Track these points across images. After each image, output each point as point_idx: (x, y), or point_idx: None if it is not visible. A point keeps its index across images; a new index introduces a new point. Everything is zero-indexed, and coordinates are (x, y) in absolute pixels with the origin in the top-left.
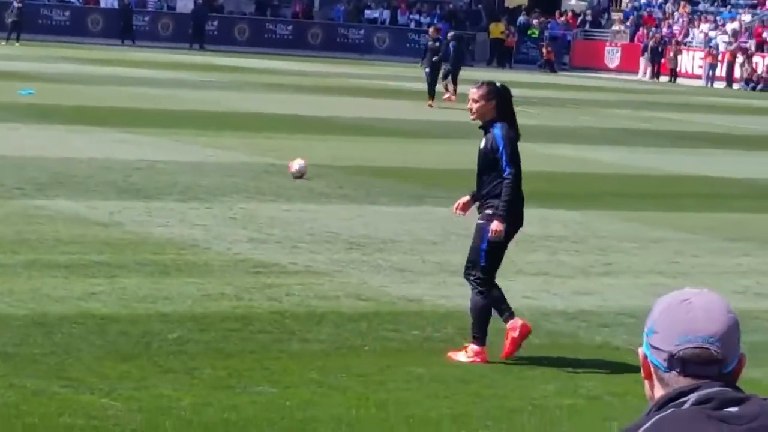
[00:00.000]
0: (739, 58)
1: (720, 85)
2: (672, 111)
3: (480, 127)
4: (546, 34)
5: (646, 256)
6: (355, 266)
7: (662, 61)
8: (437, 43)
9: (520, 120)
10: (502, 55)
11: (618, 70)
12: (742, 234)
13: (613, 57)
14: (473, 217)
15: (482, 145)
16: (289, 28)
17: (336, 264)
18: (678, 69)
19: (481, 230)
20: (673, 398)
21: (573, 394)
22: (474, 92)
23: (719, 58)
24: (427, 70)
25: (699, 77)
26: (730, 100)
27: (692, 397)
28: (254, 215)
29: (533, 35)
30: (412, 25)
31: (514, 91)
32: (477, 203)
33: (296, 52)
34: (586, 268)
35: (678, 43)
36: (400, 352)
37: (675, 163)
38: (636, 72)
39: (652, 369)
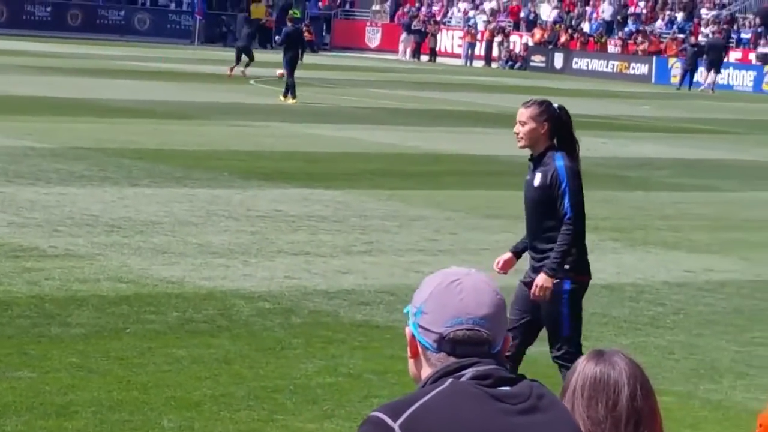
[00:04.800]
0: (498, 38)
1: (479, 64)
2: (432, 90)
3: (530, 159)
4: (306, 14)
5: (406, 234)
6: (115, 249)
7: (423, 41)
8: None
9: (273, 99)
10: (263, 35)
11: (379, 49)
12: (501, 211)
13: (373, 37)
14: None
15: (536, 181)
16: (48, 9)
17: (96, 247)
18: (438, 48)
19: (556, 294)
20: (451, 371)
21: (334, 373)
22: (522, 112)
23: (478, 37)
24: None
25: (458, 56)
26: (489, 78)
27: (469, 372)
28: (13, 199)
29: (295, 15)
30: (173, 6)
31: (272, 71)
32: (527, 256)
33: (56, 33)
34: (347, 247)
35: (437, 22)
36: (161, 334)
37: (435, 141)
38: (396, 52)
39: (419, 349)
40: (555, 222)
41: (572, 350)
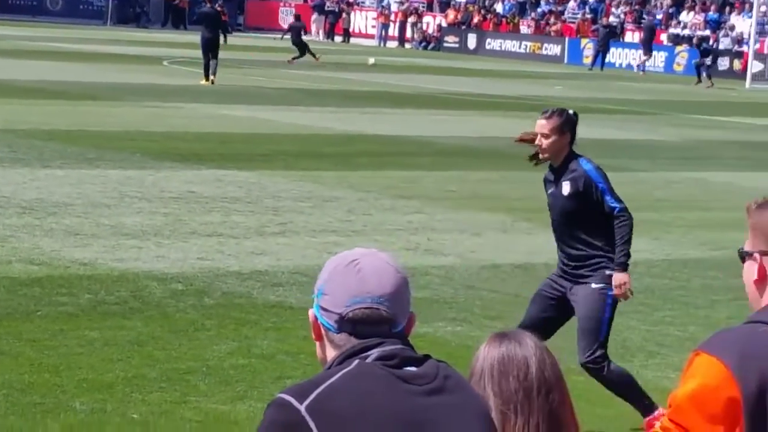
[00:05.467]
0: (411, 18)
1: (393, 44)
2: (346, 71)
3: (551, 168)
4: None
5: (320, 215)
6: (27, 231)
7: (336, 21)
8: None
9: (187, 80)
10: (176, 16)
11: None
12: (413, 192)
13: (286, 17)
14: None
15: (565, 189)
16: None
17: (8, 229)
18: (351, 29)
19: (600, 297)
20: (356, 352)
21: (247, 354)
22: (543, 124)
23: (392, 18)
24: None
25: (372, 37)
26: (403, 59)
27: (375, 352)
28: None
29: None
30: None
31: (186, 52)
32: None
33: None
34: (261, 228)
35: (350, 3)
36: (73, 316)
37: (349, 122)
38: (309, 32)
39: (322, 331)
40: (590, 226)
41: (605, 353)
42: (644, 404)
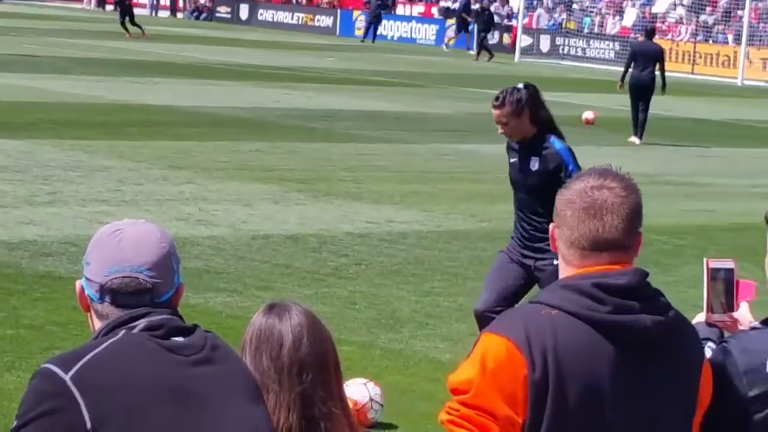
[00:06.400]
0: None
1: (164, 14)
2: (116, 40)
3: (524, 145)
4: None
5: (90, 184)
6: None
7: None
8: None
9: None
10: None
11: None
12: (185, 162)
13: None
14: None
15: (534, 165)
16: None
17: None
18: None
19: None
20: (123, 322)
21: (15, 324)
22: (497, 114)
23: None
24: None
25: (144, 6)
26: (174, 29)
27: (142, 322)
28: None
29: None
30: None
31: None
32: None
33: None
34: (30, 198)
35: None
36: None
37: (119, 91)
38: (81, 1)
39: (89, 301)
40: (550, 203)
41: None
42: None
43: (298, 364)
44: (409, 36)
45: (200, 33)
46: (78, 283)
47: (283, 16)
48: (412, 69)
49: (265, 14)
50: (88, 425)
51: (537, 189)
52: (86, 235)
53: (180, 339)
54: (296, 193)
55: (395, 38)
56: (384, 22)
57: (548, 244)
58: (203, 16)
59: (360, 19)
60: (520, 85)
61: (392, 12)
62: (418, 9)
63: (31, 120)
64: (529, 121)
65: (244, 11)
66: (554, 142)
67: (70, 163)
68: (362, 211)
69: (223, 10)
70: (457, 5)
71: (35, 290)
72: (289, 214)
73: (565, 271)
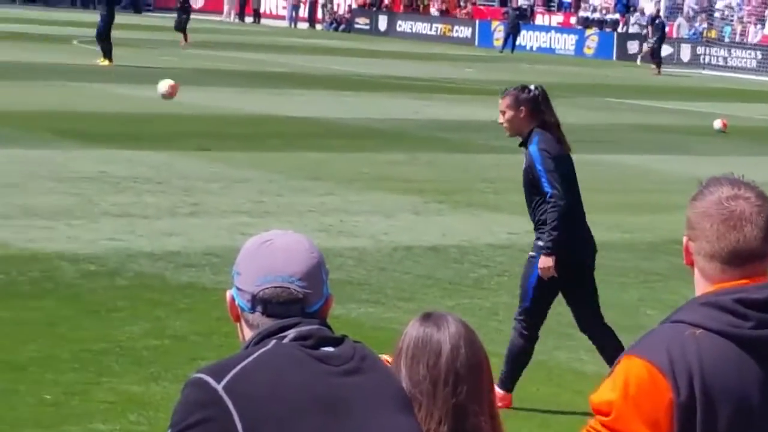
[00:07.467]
0: (321, 0)
1: (303, 26)
2: (256, 52)
3: (520, 144)
4: None
5: (231, 196)
6: None
7: (246, 2)
8: None
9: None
10: None
11: (203, 10)
12: (324, 173)
13: None
14: None
15: (524, 163)
16: None
17: None
18: (262, 10)
19: (529, 264)
20: (273, 332)
21: (160, 335)
22: (500, 102)
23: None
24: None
25: (283, 18)
26: (313, 41)
27: (292, 332)
28: None
29: None
30: None
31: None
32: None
33: None
34: (172, 209)
35: None
36: None
37: (259, 103)
38: (221, 13)
39: (239, 311)
40: (537, 200)
41: (526, 319)
42: (507, 379)
43: (455, 374)
44: (548, 46)
45: (339, 44)
46: (228, 293)
47: (421, 27)
48: (552, 79)
49: (404, 25)
50: None
51: (524, 185)
52: (229, 246)
53: (329, 349)
54: (436, 204)
55: (534, 48)
56: (523, 32)
57: (537, 238)
58: (342, 27)
59: (498, 30)
60: (532, 86)
61: (531, 22)
62: (557, 19)
63: (172, 132)
64: (525, 119)
65: (382, 23)
66: (533, 141)
67: (211, 175)
68: (503, 222)
69: (361, 22)
70: (597, 15)
71: (179, 301)
72: (430, 225)
73: (702, 287)
